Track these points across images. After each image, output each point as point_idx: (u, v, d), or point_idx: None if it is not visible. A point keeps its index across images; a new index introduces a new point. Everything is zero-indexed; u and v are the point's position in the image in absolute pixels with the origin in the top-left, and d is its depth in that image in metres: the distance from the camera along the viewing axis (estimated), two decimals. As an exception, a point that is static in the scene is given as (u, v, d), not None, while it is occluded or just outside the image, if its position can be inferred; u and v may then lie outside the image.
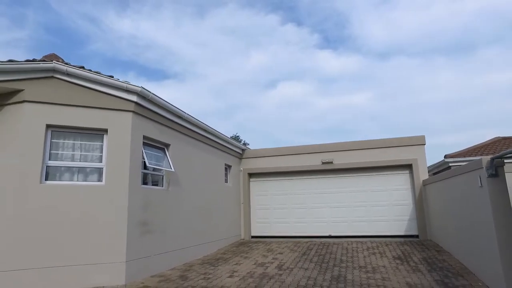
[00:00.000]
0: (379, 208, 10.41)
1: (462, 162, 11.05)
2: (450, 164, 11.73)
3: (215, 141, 9.65)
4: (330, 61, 53.40)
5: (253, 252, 8.86)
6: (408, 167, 10.35)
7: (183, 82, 63.76)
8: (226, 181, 10.62)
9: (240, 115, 63.02)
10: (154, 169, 6.78)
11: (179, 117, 7.44)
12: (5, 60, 5.28)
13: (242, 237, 11.35)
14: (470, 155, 11.75)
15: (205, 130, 8.80)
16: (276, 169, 11.52)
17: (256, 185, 11.85)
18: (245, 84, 59.92)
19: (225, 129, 59.94)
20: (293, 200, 11.28)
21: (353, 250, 8.67)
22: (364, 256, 7.87)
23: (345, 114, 60.70)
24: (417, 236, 9.91)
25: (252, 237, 11.43)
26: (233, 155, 11.19)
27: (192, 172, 8.20)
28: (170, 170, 7.02)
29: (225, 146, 10.41)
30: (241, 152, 11.73)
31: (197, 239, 8.14)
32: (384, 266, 6.79)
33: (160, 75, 63.27)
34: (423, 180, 9.96)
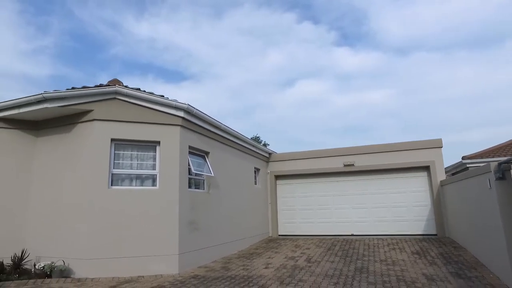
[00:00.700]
0: (399, 209, 11.07)
1: (479, 163, 11.55)
2: (468, 165, 12.23)
3: (246, 147, 10.60)
4: (348, 58, 53.08)
5: (282, 248, 9.75)
6: (426, 168, 10.96)
7: (200, 83, 64.96)
8: (255, 183, 11.55)
9: (258, 115, 63.64)
10: (196, 174, 7.75)
11: (217, 127, 8.43)
12: (79, 86, 6.38)
13: (270, 235, 12.26)
14: (487, 156, 12.20)
15: (237, 138, 9.77)
16: (300, 171, 12.35)
17: (282, 186, 12.72)
18: (262, 83, 60.55)
19: (243, 129, 60.76)
20: (317, 201, 12.08)
21: (374, 246, 9.41)
22: (385, 251, 8.61)
23: (364, 112, 60.23)
24: (435, 235, 10.52)
25: (279, 235, 12.31)
26: (261, 159, 12.12)
27: (227, 175, 9.16)
28: (210, 175, 8.00)
29: (254, 151, 11.35)
30: (268, 156, 12.64)
31: (233, 236, 9.10)
32: (403, 260, 7.53)
33: (178, 76, 64.76)
34: (440, 181, 10.56)
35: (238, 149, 10.13)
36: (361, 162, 11.61)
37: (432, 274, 6.23)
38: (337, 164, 11.89)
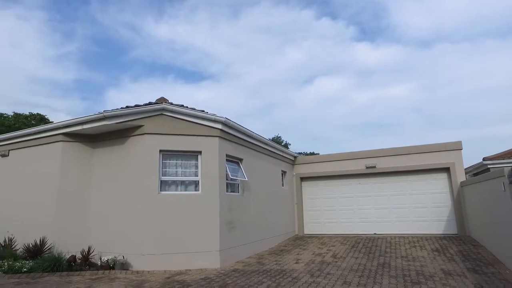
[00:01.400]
0: (420, 210, 11.60)
1: (500, 164, 11.89)
2: (489, 166, 12.57)
3: (274, 152, 11.44)
4: (367, 54, 52.37)
5: (309, 245, 10.53)
6: (446, 170, 11.43)
7: (219, 83, 65.89)
8: (282, 185, 12.36)
9: (276, 113, 63.95)
10: (232, 179, 8.64)
11: (250, 136, 9.31)
12: (132, 105, 7.38)
13: (297, 233, 13.05)
14: (509, 157, 12.49)
15: (266, 144, 10.63)
16: (324, 173, 13.06)
17: (307, 188, 13.47)
18: (281, 82, 60.81)
19: (262, 128, 61.29)
20: (341, 202, 12.76)
21: (395, 244, 10.03)
22: (406, 249, 9.24)
23: (385, 108, 59.25)
24: (456, 234, 10.99)
25: (305, 234, 13.07)
26: (287, 162, 12.92)
27: (258, 179, 10.02)
28: (244, 179, 8.89)
29: (281, 155, 12.16)
30: (293, 159, 13.42)
31: (264, 234, 9.96)
32: (423, 257, 8.15)
33: (197, 77, 66.09)
34: (460, 182, 11.02)
35: (267, 154, 10.97)
36: (382, 164, 12.19)
37: (450, 269, 6.84)
38: (359, 166, 12.52)
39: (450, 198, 11.30)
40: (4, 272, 6.77)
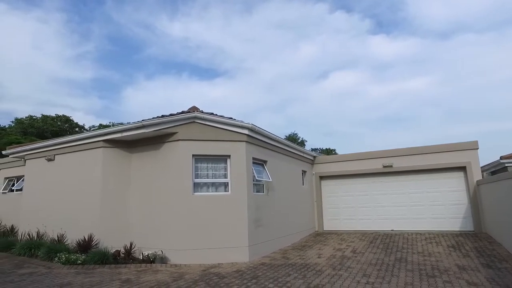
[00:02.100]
0: (436, 207, 12.00)
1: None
2: (506, 165, 12.81)
3: (295, 153, 12.06)
4: (383, 47, 51.38)
5: (329, 241, 11.13)
6: (462, 169, 11.77)
7: (234, 79, 66.32)
8: (302, 183, 12.97)
9: (291, 108, 63.91)
10: (258, 180, 9.31)
11: (273, 139, 9.97)
12: (167, 114, 8.13)
13: (317, 230, 13.66)
14: (526, 155, 12.69)
15: (288, 146, 11.26)
16: (343, 172, 13.59)
17: (326, 187, 14.03)
18: (296, 77, 60.72)
19: (277, 123, 61.48)
20: (359, 200, 13.28)
21: (412, 240, 10.52)
22: (422, 245, 9.73)
23: (402, 101, 58.16)
24: (472, 231, 11.35)
25: (325, 230, 13.66)
26: (307, 162, 13.51)
27: (280, 179, 10.66)
28: (269, 180, 9.56)
29: (301, 155, 12.77)
30: (313, 158, 14.00)
31: (287, 231, 10.62)
32: (438, 252, 8.64)
33: (212, 73, 66.77)
34: (477, 181, 11.36)
35: (288, 155, 11.59)
36: (399, 163, 12.62)
37: (464, 264, 7.32)
38: (376, 165, 12.99)
39: (467, 196, 11.66)
40: (62, 263, 7.69)
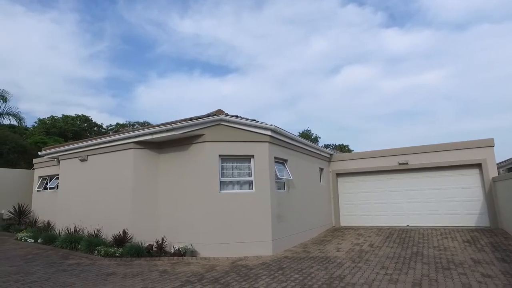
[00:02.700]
0: (452, 204, 12.28)
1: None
2: (523, 161, 12.97)
3: (313, 151, 12.52)
4: (397, 40, 50.62)
5: (346, 236, 11.58)
6: (478, 166, 12.02)
7: (245, 76, 66.52)
8: (320, 181, 13.43)
9: (303, 104, 63.85)
10: (279, 178, 9.82)
11: (293, 139, 10.48)
12: (195, 117, 8.70)
13: (333, 225, 14.11)
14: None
15: (307, 145, 11.75)
16: (359, 170, 13.98)
17: (343, 184, 14.45)
18: (307, 72, 60.56)
19: (289, 119, 61.52)
20: (374, 196, 13.65)
21: (428, 235, 10.87)
22: (438, 240, 10.09)
23: (416, 96, 57.27)
24: (488, 227, 11.60)
25: (341, 226, 14.09)
26: (324, 160, 13.95)
27: (300, 177, 11.15)
28: (290, 178, 10.06)
29: (319, 154, 13.22)
30: (329, 156, 14.42)
31: (306, 226, 11.12)
32: (454, 247, 9.00)
33: (223, 70, 67.17)
34: (492, 178, 11.61)
35: (307, 154, 12.07)
36: (414, 160, 12.93)
37: (479, 258, 7.68)
38: (392, 163, 13.32)
39: (482, 192, 11.91)
40: (101, 256, 8.39)
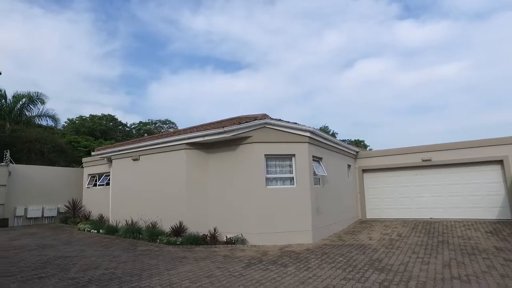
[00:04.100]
0: (474, 198, 13.15)
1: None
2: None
3: (342, 149, 13.57)
4: (412, 32, 49.73)
5: (374, 227, 12.61)
6: (499, 162, 12.82)
7: (258, 71, 66.90)
8: (348, 176, 14.46)
9: (317, 99, 64.01)
10: (316, 174, 10.91)
11: (327, 139, 11.55)
12: (243, 118, 9.85)
13: (360, 218, 15.14)
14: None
15: (337, 144, 12.81)
16: (384, 166, 14.94)
17: (369, 179, 15.44)
18: (321, 67, 60.57)
19: (303, 114, 61.82)
20: (399, 191, 14.60)
21: (451, 226, 11.81)
22: (461, 230, 11.02)
23: (433, 89, 56.49)
24: (510, 219, 12.43)
25: (368, 219, 15.11)
26: (351, 157, 14.97)
27: (332, 173, 12.21)
28: (324, 174, 11.15)
29: (346, 151, 14.24)
30: (355, 153, 15.43)
31: (337, 218, 12.19)
32: (477, 237, 9.94)
33: (235, 66, 67.80)
34: (513, 173, 12.43)
35: (337, 152, 13.12)
36: (437, 157, 13.82)
37: (502, 246, 8.60)
38: (415, 159, 14.24)
39: (504, 187, 12.73)
40: (164, 244, 9.67)
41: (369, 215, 15.17)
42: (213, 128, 10.23)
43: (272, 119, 10.11)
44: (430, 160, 13.97)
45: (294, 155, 10.19)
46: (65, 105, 56.03)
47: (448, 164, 13.70)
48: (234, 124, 9.90)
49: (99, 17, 54.77)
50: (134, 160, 12.65)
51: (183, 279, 6.12)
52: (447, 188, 13.68)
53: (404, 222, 13.53)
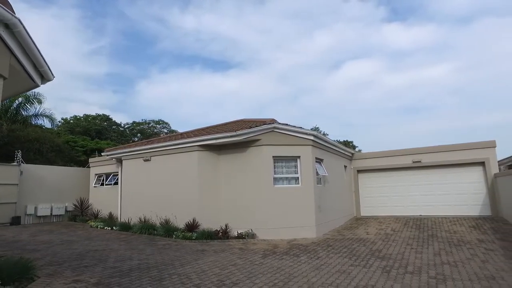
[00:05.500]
0: (459, 196, 14.36)
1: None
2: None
3: (339, 151, 14.61)
4: (399, 34, 51.51)
5: (369, 223, 13.68)
6: (482, 164, 14.08)
7: (247, 71, 67.10)
8: (344, 176, 15.50)
9: (307, 99, 64.96)
10: (318, 174, 11.88)
11: (328, 142, 12.55)
12: (253, 124, 10.73)
13: (355, 215, 16.22)
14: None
15: (336, 146, 13.84)
16: (377, 167, 16.05)
17: (363, 179, 16.54)
18: (310, 67, 61.56)
19: (292, 115, 62.55)
20: (391, 190, 15.73)
21: (439, 222, 12.97)
22: (448, 225, 12.18)
23: (420, 91, 58.28)
24: (490, 215, 13.68)
25: (362, 216, 16.19)
26: (347, 158, 16.04)
27: (331, 173, 13.21)
28: (325, 174, 12.14)
29: (343, 153, 15.29)
30: (351, 155, 16.51)
31: (336, 215, 13.21)
32: (462, 231, 11.08)
33: (224, 65, 67.94)
34: (494, 174, 13.67)
35: (335, 153, 14.15)
36: (427, 159, 14.99)
37: (483, 238, 9.74)
38: (406, 161, 15.39)
39: (485, 186, 13.99)
40: (180, 239, 10.48)
41: (363, 213, 16.26)
42: (224, 131, 11.09)
43: (279, 123, 11.03)
44: (420, 161, 15.13)
45: (299, 156, 11.14)
46: (51, 103, 55.13)
47: (436, 165, 14.89)
48: (244, 127, 10.79)
49: (85, 13, 54.44)
50: (145, 160, 13.38)
51: (212, 267, 6.98)
52: (435, 187, 14.86)
53: (396, 218, 14.65)
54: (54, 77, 5.84)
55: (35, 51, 5.12)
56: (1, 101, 4.95)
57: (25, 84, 5.75)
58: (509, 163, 16.66)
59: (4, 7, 4.16)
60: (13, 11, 4.50)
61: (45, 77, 5.75)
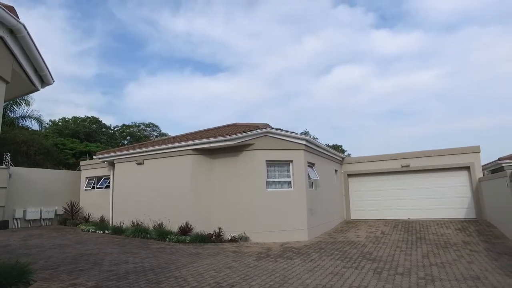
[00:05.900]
0: (446, 200, 14.78)
1: None
2: (503, 165, 15.57)
3: (330, 155, 14.89)
4: (388, 41, 52.97)
5: (360, 226, 13.96)
6: (467, 168, 14.54)
7: (237, 74, 67.33)
8: (335, 180, 15.78)
9: (296, 102, 65.59)
10: (310, 178, 12.10)
11: (320, 147, 12.80)
12: (246, 128, 10.90)
13: (345, 218, 16.50)
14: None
15: (328, 151, 14.10)
16: (367, 171, 16.39)
17: (353, 183, 16.86)
18: (300, 71, 62.21)
19: (282, 118, 62.86)
20: (380, 194, 16.07)
21: (427, 225, 13.33)
22: (435, 228, 12.53)
23: (408, 96, 59.60)
24: (475, 218, 14.13)
25: (352, 219, 16.48)
26: (338, 162, 16.33)
27: (323, 177, 13.46)
28: (317, 178, 12.37)
29: (334, 157, 15.58)
30: (341, 159, 16.82)
31: (327, 218, 13.45)
32: (449, 233, 11.44)
33: (214, 69, 67.75)
34: (478, 178, 14.14)
35: (326, 158, 14.42)
36: (415, 163, 15.40)
37: (468, 240, 10.10)
38: (395, 165, 15.77)
39: (470, 190, 14.44)
40: (174, 242, 10.54)
41: (353, 216, 16.55)
42: (217, 135, 11.23)
43: (272, 128, 11.24)
44: (408, 166, 15.53)
45: (291, 161, 11.35)
46: (37, 104, 53.91)
47: (424, 169, 15.30)
48: (238, 131, 10.95)
49: (74, 14, 53.81)
50: (138, 164, 13.40)
51: (208, 270, 7.09)
52: (423, 191, 15.26)
53: (386, 222, 14.97)
54: (54, 81, 5.90)
55: (37, 56, 5.19)
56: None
57: (25, 88, 5.79)
58: (493, 168, 17.22)
59: (10, 13, 4.24)
60: (17, 16, 4.58)
61: (45, 81, 5.81)
